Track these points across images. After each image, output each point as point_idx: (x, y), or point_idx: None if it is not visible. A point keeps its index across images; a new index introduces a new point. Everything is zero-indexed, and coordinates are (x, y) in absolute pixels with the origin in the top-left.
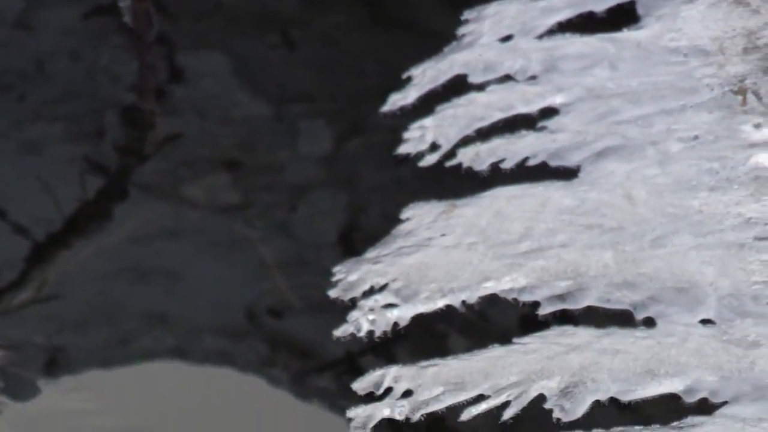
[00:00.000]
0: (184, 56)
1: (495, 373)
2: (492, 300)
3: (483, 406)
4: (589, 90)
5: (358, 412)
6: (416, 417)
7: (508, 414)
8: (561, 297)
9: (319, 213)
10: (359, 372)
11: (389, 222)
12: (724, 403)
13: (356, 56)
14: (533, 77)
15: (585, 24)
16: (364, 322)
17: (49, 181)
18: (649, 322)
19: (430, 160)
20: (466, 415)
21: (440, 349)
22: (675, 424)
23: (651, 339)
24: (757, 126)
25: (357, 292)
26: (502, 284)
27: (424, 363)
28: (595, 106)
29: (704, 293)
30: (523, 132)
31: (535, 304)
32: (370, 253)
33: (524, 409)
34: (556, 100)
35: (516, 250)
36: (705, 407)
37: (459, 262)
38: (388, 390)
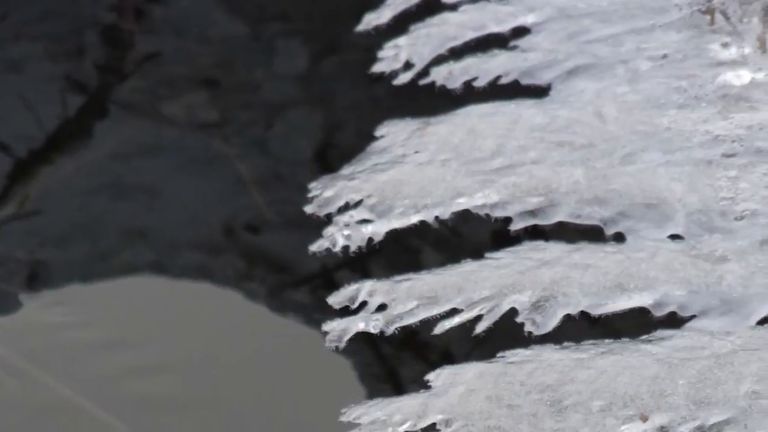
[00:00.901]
0: None
1: (468, 288)
2: (465, 216)
3: (456, 320)
4: (560, 9)
5: (333, 326)
6: (390, 330)
7: (480, 327)
8: (532, 213)
9: (295, 130)
10: (334, 286)
11: (364, 139)
12: (693, 316)
13: None
14: None
15: None
16: (339, 237)
17: (31, 99)
18: (619, 238)
19: (404, 78)
20: (440, 328)
21: (414, 264)
22: (644, 337)
23: (621, 254)
24: (725, 45)
25: (332, 208)
26: (475, 200)
27: (398, 277)
28: (565, 26)
29: (673, 209)
30: (495, 51)
31: (507, 220)
32: (345, 170)
33: (496, 323)
34: (528, 19)
35: (488, 167)
36: (674, 321)
37: (432, 179)
38: (363, 304)
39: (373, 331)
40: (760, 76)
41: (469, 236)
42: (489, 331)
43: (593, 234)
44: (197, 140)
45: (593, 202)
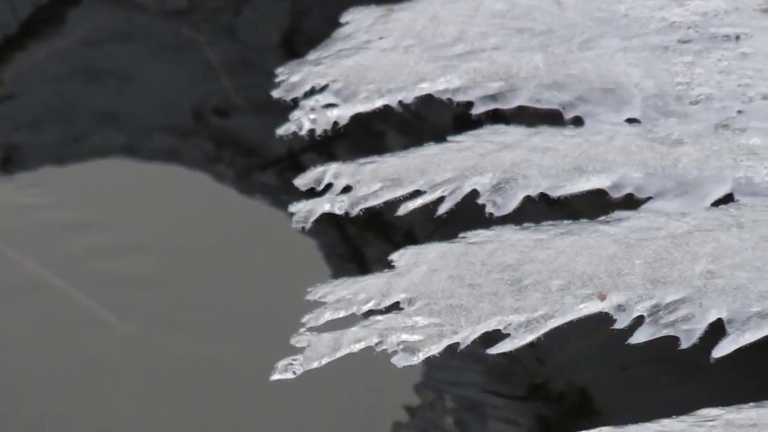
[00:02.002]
0: None
1: (430, 170)
2: (427, 100)
3: (419, 201)
4: None
5: (299, 207)
6: (355, 211)
7: (443, 209)
8: (493, 97)
9: (262, 17)
10: (301, 169)
11: (330, 25)
12: (649, 198)
13: None
14: None
15: None
16: (305, 121)
17: None
18: (578, 122)
19: None
20: (403, 209)
21: (378, 147)
22: (602, 218)
23: (579, 137)
24: None
25: (299, 93)
26: (437, 85)
27: (362, 160)
28: None
29: (630, 93)
30: None
31: (469, 104)
32: (312, 56)
33: (458, 204)
34: None
35: (450, 53)
36: (631, 202)
37: (396, 64)
38: (329, 186)
39: (338, 212)
40: None
41: (431, 120)
42: (451, 212)
43: (552, 118)
44: (167, 27)
45: (552, 87)
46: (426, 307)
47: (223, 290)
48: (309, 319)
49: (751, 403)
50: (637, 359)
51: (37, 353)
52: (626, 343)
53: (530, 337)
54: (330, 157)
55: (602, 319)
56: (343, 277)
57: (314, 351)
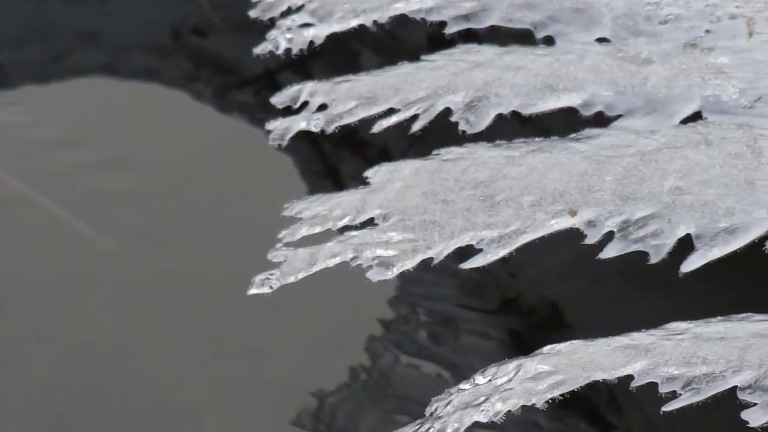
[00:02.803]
0: None
1: (404, 89)
2: (402, 20)
3: (393, 119)
4: None
5: (276, 125)
6: (331, 129)
7: (416, 126)
8: (466, 17)
9: None
10: (277, 87)
11: None
12: (619, 116)
13: None
14: None
15: None
16: (282, 40)
17: None
18: (549, 41)
19: None
20: (378, 127)
21: (353, 66)
22: (573, 135)
23: (550, 56)
24: None
25: (275, 12)
26: (411, 5)
27: (338, 79)
28: None
29: (600, 13)
30: None
31: (442, 24)
32: None
33: (431, 122)
34: None
35: None
36: (601, 120)
37: None
38: (305, 104)
39: (314, 129)
40: None
41: (405, 39)
42: (424, 129)
43: (524, 37)
44: None
45: (524, 7)
46: (400, 222)
47: (201, 206)
48: (285, 234)
49: (719, 317)
50: (607, 274)
51: (19, 268)
52: (596, 257)
53: (502, 252)
54: (306, 75)
55: (573, 235)
56: (318, 193)
57: (290, 266)
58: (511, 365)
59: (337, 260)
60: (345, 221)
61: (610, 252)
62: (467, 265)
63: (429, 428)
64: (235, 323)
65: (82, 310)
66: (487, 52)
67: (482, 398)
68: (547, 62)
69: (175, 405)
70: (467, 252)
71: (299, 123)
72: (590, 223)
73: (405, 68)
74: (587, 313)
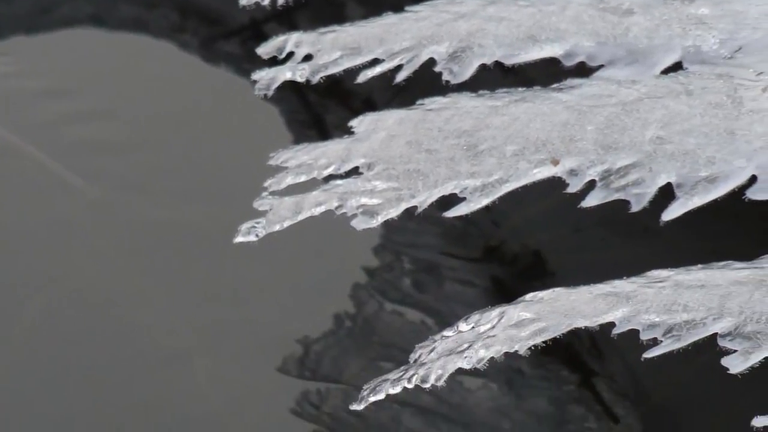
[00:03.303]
0: None
1: (389, 39)
2: None
3: (377, 69)
4: None
5: (262, 75)
6: (316, 79)
7: (400, 76)
8: None
9: None
10: (263, 38)
11: None
12: (601, 66)
13: None
14: None
15: None
16: None
17: None
18: None
19: None
20: (362, 77)
21: (338, 17)
22: (555, 85)
23: (533, 7)
24: None
25: None
26: None
27: (323, 29)
28: None
29: None
30: None
31: None
32: None
33: (416, 72)
34: None
35: None
36: (583, 70)
37: None
38: (290, 54)
39: (299, 79)
40: None
41: None
42: (409, 80)
43: None
44: None
45: None
46: (384, 171)
47: (188, 155)
48: (271, 183)
49: (699, 265)
50: (589, 222)
51: (7, 217)
52: (578, 206)
53: (485, 201)
54: (291, 26)
55: (555, 184)
56: (304, 142)
57: (276, 214)
58: (494, 313)
59: (322, 209)
60: (330, 170)
61: (591, 201)
62: (451, 213)
63: (413, 375)
64: (221, 271)
65: (70, 258)
66: (471, 2)
67: (465, 345)
68: (530, 13)
69: (163, 351)
70: (451, 200)
71: (285, 73)
72: (572, 172)
73: (389, 19)
74: (569, 261)
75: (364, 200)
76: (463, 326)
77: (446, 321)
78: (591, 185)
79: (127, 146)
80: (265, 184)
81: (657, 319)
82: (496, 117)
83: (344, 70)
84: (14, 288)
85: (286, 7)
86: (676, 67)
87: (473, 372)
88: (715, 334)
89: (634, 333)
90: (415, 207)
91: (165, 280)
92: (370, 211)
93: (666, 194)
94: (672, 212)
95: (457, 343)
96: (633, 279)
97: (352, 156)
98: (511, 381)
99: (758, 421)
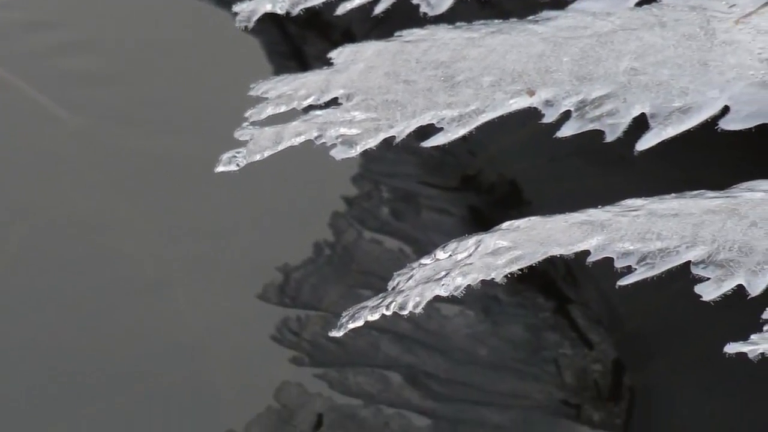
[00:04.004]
0: None
1: None
2: None
3: (356, 2)
4: None
5: (242, 7)
6: (296, 11)
7: (379, 8)
8: None
9: None
10: None
11: None
12: None
13: None
14: None
15: None
16: None
17: None
18: None
19: None
20: (341, 9)
21: None
22: (531, 17)
23: None
24: None
25: None
26: None
27: None
28: None
29: None
30: None
31: None
32: None
33: (393, 4)
34: None
35: None
36: (558, 2)
37: None
38: None
39: (279, 12)
40: None
41: None
42: (387, 12)
43: None
44: None
45: None
46: (363, 102)
47: (170, 86)
48: (252, 113)
49: (673, 194)
50: (565, 152)
51: None
52: (554, 136)
53: (462, 131)
54: None
55: (531, 114)
56: (284, 73)
57: (257, 144)
58: (471, 241)
59: (301, 139)
60: (309, 101)
61: (567, 131)
62: (428, 143)
63: (391, 302)
64: (202, 200)
65: (54, 187)
66: None
67: (443, 273)
68: None
69: (144, 279)
70: (428, 131)
71: (265, 5)
72: (548, 103)
73: None
74: (545, 190)
75: (343, 130)
76: (440, 254)
77: (424, 249)
78: (566, 116)
79: (111, 77)
80: (246, 115)
81: (631, 247)
82: (472, 48)
83: (324, 3)
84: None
85: None
86: None
87: (450, 299)
88: (688, 262)
89: (608, 261)
90: (393, 137)
91: (147, 209)
92: (348, 141)
93: (640, 125)
94: (646, 142)
95: (434, 271)
96: (607, 208)
97: (331, 87)
98: (487, 308)
99: (730, 348)
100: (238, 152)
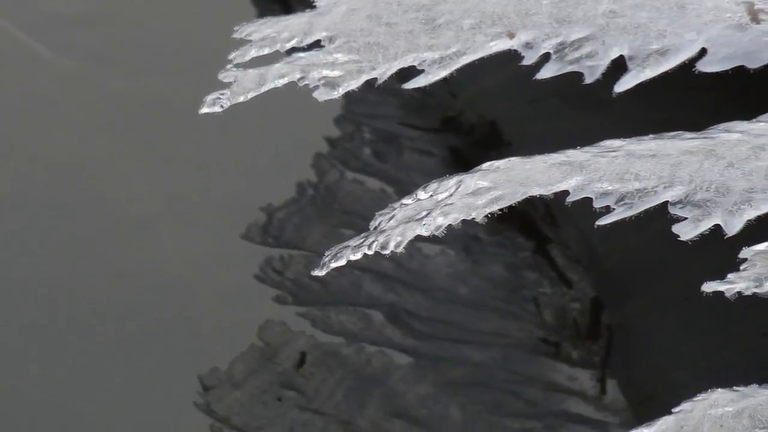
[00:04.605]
0: None
1: None
2: None
3: None
4: None
5: None
6: None
7: None
8: None
9: None
10: None
11: None
12: None
13: None
14: None
15: None
16: None
17: None
18: None
19: None
20: None
21: None
22: None
23: None
24: None
25: None
26: None
27: None
28: None
29: None
30: None
31: None
32: None
33: None
34: None
35: None
36: None
37: None
38: None
39: None
40: None
41: None
42: None
43: None
44: None
45: None
46: (345, 44)
47: (155, 28)
48: (236, 56)
49: (651, 135)
50: (544, 93)
51: None
52: (533, 78)
53: (443, 73)
54: None
55: (511, 56)
56: (268, 16)
57: (240, 86)
58: (452, 181)
59: (285, 80)
60: (293, 43)
61: (546, 72)
62: (410, 85)
63: (373, 241)
64: (187, 140)
65: (40, 128)
66: None
67: (424, 213)
68: None
69: (130, 219)
70: (410, 72)
71: None
72: (527, 45)
73: None
74: (524, 131)
75: (326, 72)
76: (421, 194)
77: (405, 189)
78: (546, 58)
79: (95, 19)
80: (230, 57)
81: (609, 188)
82: None
83: None
84: None
85: None
86: None
87: (431, 239)
88: (666, 202)
89: (587, 201)
90: (375, 79)
91: (132, 150)
92: (331, 83)
93: (618, 66)
94: (624, 84)
95: (415, 211)
96: (586, 149)
97: (314, 29)
98: (468, 248)
99: (707, 286)
100: (222, 94)
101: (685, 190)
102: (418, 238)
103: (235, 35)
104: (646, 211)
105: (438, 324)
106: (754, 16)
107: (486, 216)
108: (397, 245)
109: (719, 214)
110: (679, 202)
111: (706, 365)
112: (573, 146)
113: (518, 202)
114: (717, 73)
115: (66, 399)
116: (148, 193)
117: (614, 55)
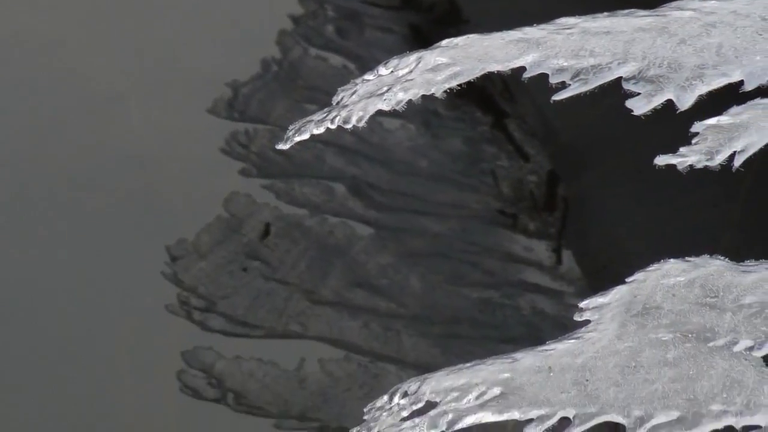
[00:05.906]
0: None
1: None
2: None
3: None
4: None
5: None
6: None
7: None
8: None
9: None
10: None
11: None
12: None
13: None
14: None
15: None
16: None
17: None
18: None
19: None
20: None
21: None
22: None
23: None
24: None
25: None
26: None
27: None
28: None
29: None
30: None
31: None
32: None
33: None
34: None
35: None
36: None
37: None
38: None
39: None
40: None
41: None
42: None
43: None
44: None
45: None
46: None
47: None
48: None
49: (605, 13)
50: None
51: None
52: None
53: None
54: None
55: None
56: None
57: None
58: (412, 57)
59: None
60: None
61: None
62: None
63: (336, 116)
64: (154, 18)
65: (8, 5)
66: None
67: (385, 88)
68: None
69: (99, 95)
70: None
71: None
72: None
73: None
74: (482, 8)
75: None
76: (382, 70)
77: (367, 65)
78: None
79: None
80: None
81: (565, 64)
82: None
83: None
84: None
85: None
86: None
87: (392, 113)
88: (620, 78)
89: (543, 77)
90: None
91: (101, 27)
92: None
93: None
94: None
95: (377, 87)
96: (543, 26)
97: None
98: (427, 122)
99: (660, 160)
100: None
101: (639, 66)
102: (379, 113)
103: None
104: (601, 87)
105: (398, 196)
106: None
107: (445, 91)
108: (359, 119)
109: (671, 89)
110: (633, 77)
111: (659, 236)
112: (530, 24)
113: (476, 77)
114: None
115: (36, 273)
116: (116, 71)
117: None
